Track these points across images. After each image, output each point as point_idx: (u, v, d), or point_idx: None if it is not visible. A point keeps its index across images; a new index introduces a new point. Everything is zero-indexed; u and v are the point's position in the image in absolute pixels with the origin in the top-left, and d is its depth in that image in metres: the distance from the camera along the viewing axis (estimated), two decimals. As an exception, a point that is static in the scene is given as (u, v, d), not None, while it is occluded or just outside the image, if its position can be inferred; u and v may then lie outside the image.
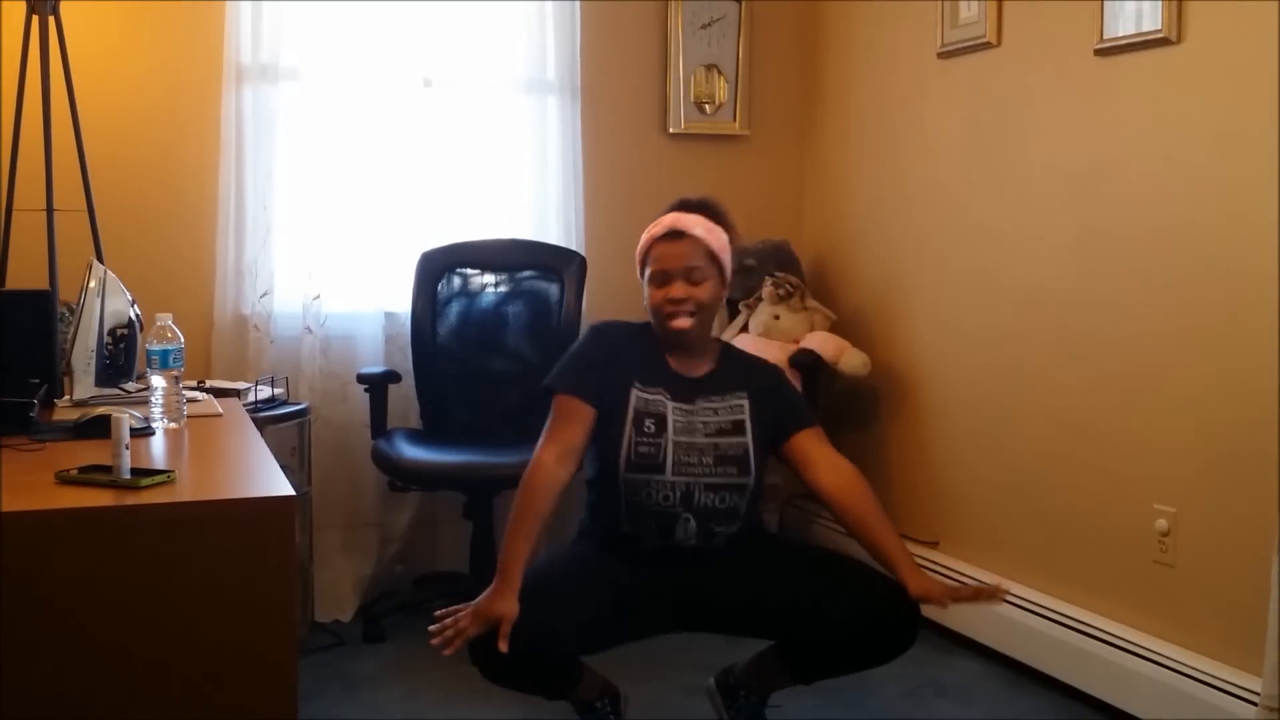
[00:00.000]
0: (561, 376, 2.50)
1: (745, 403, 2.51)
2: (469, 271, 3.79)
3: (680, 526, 2.44)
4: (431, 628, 2.25)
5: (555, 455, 2.41)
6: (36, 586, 1.72)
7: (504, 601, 2.25)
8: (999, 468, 3.39)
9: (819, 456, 2.51)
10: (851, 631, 2.37)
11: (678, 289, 2.45)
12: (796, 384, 3.41)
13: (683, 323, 2.46)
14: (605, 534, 2.52)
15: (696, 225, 2.47)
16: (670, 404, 2.47)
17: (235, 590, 1.79)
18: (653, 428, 2.44)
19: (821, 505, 2.60)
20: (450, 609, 2.28)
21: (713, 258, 2.48)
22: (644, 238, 2.52)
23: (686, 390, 2.50)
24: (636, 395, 2.46)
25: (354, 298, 3.74)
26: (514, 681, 2.38)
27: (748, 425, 2.49)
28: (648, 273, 2.49)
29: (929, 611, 2.40)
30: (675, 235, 2.47)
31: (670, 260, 2.46)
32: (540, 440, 2.45)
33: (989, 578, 3.30)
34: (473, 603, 2.27)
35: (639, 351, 2.52)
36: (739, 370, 2.58)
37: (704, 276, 2.47)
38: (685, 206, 2.54)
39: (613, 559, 2.48)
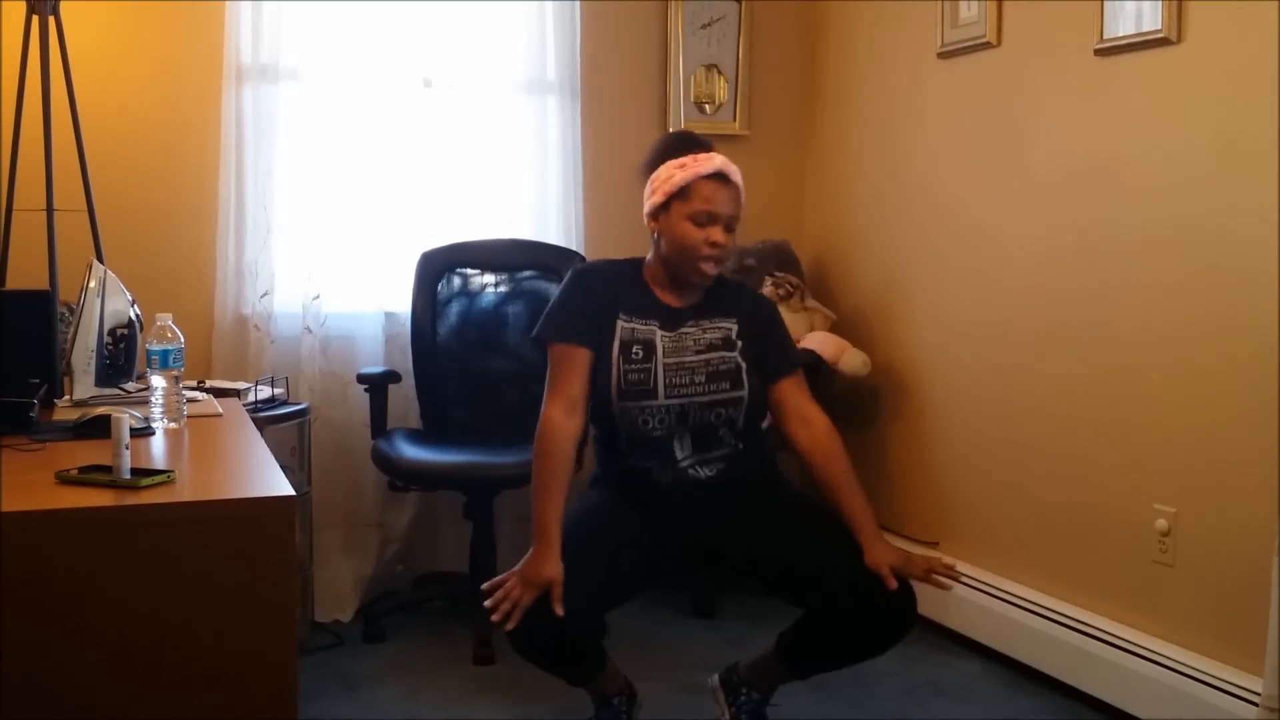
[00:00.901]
0: (551, 325, 2.50)
1: (734, 326, 2.51)
2: (469, 271, 3.79)
3: (678, 444, 2.45)
4: (487, 603, 2.27)
5: (563, 409, 2.43)
6: (36, 586, 1.71)
7: (549, 565, 2.28)
8: (999, 468, 3.39)
9: (794, 407, 2.52)
10: (848, 611, 2.39)
11: (720, 233, 2.44)
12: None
13: (712, 268, 2.46)
14: (614, 474, 2.53)
15: (737, 174, 2.49)
16: (659, 331, 2.48)
17: (235, 590, 1.79)
18: (640, 354, 2.45)
19: (806, 482, 2.61)
20: (496, 580, 2.29)
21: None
22: (681, 171, 2.44)
23: (675, 317, 2.50)
24: (622, 326, 2.47)
25: (354, 298, 3.74)
26: (543, 659, 2.40)
27: (736, 341, 2.49)
28: (689, 209, 2.43)
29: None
30: (724, 179, 2.46)
31: (722, 204, 2.44)
32: (545, 396, 2.45)
33: (989, 578, 3.31)
34: (515, 570, 2.28)
35: (624, 287, 2.53)
36: (729, 296, 2.57)
37: (735, 227, 2.49)
38: (694, 140, 2.52)
39: (625, 509, 2.49)
